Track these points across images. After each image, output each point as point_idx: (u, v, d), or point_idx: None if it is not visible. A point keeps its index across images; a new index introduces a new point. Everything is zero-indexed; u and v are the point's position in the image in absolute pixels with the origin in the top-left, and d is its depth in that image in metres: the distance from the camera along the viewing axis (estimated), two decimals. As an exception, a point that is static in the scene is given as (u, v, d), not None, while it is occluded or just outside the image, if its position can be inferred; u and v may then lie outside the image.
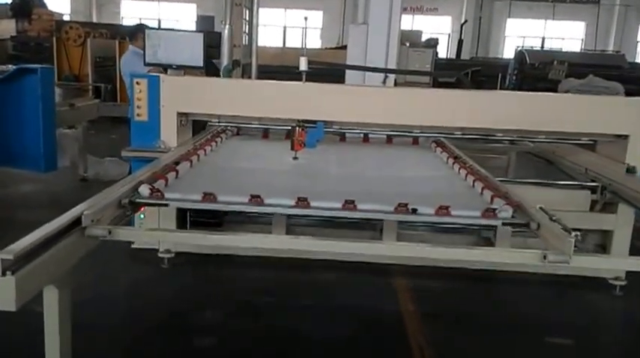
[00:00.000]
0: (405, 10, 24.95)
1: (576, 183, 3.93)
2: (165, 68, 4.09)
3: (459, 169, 3.26)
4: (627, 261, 2.91)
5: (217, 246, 3.81)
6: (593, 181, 3.77)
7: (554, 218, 2.22)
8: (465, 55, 21.66)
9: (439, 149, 3.88)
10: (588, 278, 3.80)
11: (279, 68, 8.76)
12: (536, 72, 12.54)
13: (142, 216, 3.88)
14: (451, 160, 3.51)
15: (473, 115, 3.87)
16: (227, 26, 6.12)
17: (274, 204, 2.46)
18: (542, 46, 24.13)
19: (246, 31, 7.31)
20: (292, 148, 3.48)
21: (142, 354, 2.92)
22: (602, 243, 4.06)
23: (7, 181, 5.65)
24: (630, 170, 3.61)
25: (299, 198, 2.46)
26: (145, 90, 3.77)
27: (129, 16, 25.49)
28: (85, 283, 3.12)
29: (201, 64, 3.94)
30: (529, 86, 12.43)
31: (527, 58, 13.11)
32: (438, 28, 25.10)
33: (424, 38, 18.39)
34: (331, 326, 3.24)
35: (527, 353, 3.10)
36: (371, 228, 4.11)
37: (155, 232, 3.33)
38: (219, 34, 5.83)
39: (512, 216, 2.38)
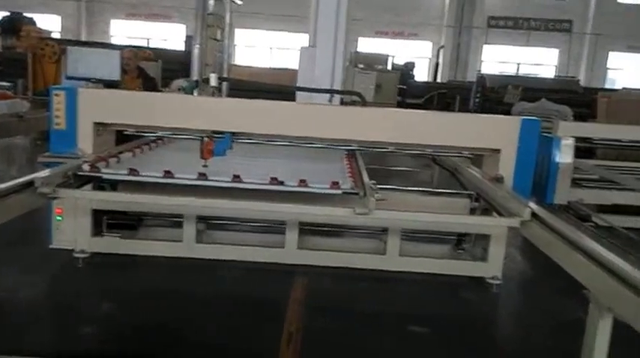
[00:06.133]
0: (386, 34, 25.70)
1: (456, 191, 4.31)
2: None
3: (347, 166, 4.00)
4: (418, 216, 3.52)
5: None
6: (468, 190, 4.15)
7: (373, 189, 3.13)
8: (445, 79, 22.17)
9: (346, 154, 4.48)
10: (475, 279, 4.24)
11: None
12: (494, 95, 13.05)
13: (59, 218, 4.24)
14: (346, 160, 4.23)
15: (369, 130, 4.11)
16: (197, 46, 6.63)
17: (181, 177, 3.35)
18: (517, 72, 24.80)
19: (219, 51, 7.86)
20: (202, 157, 3.86)
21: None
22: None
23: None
24: (499, 180, 3.98)
25: (199, 173, 3.33)
26: (63, 101, 4.11)
27: (118, 35, 25.65)
28: None
29: (117, 78, 4.31)
30: (490, 108, 12.95)
31: (487, 82, 13.63)
32: (421, 53, 25.81)
33: (403, 62, 18.91)
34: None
35: (390, 339, 3.41)
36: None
37: (91, 192, 3.80)
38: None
39: (352, 188, 3.29)
